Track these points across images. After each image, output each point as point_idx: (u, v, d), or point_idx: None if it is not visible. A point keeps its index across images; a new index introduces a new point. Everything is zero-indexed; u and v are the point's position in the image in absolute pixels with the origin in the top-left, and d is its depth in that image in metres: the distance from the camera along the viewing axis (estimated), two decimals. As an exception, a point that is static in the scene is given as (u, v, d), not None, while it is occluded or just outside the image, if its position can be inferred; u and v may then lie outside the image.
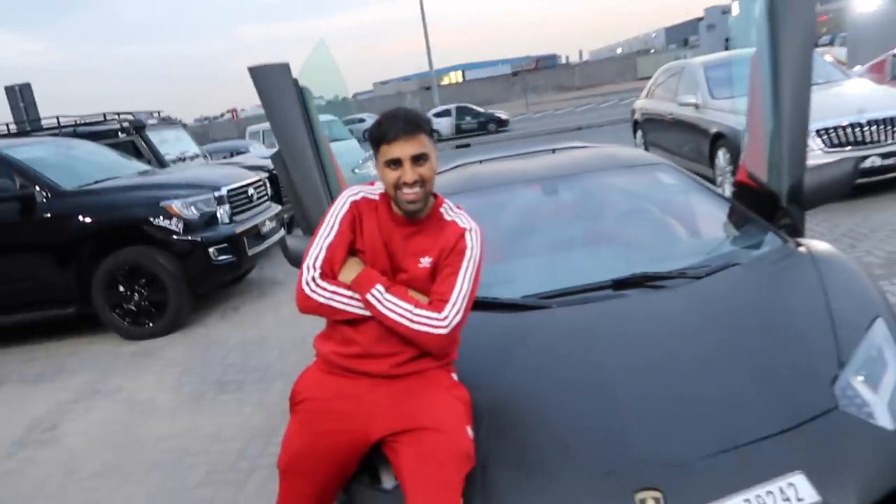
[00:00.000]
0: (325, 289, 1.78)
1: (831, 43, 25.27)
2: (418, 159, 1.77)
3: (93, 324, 5.45)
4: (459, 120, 25.54)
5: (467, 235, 1.85)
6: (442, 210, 1.90)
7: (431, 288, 1.82)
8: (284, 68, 2.96)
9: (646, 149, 9.50)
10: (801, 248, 2.37)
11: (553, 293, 2.29)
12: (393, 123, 1.77)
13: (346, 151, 9.38)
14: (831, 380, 1.75)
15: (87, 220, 5.20)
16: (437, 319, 1.75)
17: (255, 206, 6.11)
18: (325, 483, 1.79)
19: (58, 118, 7.73)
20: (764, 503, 1.50)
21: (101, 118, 7.93)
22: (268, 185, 6.78)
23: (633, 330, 2.04)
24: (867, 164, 5.70)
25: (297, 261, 2.26)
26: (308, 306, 1.81)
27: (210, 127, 53.80)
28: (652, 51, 79.45)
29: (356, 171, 9.23)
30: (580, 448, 1.68)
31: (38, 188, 5.22)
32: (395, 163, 1.77)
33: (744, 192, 2.88)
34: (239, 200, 5.81)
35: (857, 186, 5.86)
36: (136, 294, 5.26)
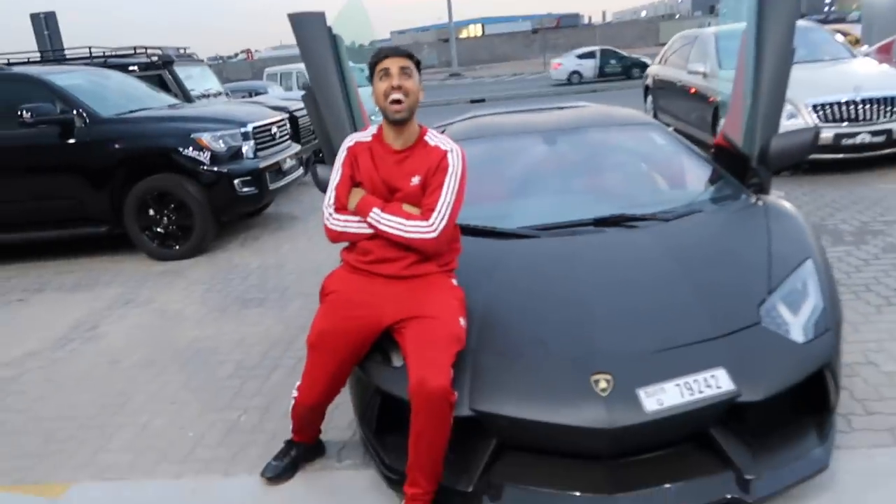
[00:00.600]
0: (339, 220, 2.30)
1: (860, 20, 25.26)
2: (404, 70, 2.20)
3: (122, 244, 5.90)
4: (603, 63, 24.61)
5: (449, 156, 2.27)
6: (426, 138, 2.32)
7: (422, 201, 2.26)
8: (321, 17, 3.33)
9: (655, 114, 9.78)
10: (759, 202, 2.76)
11: (543, 226, 2.70)
12: (386, 47, 2.27)
13: (366, 99, 9.67)
14: (759, 302, 2.16)
15: (122, 146, 5.57)
16: (426, 226, 2.20)
17: (277, 144, 6.48)
18: (343, 358, 2.24)
19: (90, 49, 8.05)
20: (691, 388, 1.93)
21: (132, 51, 8.24)
22: (288, 125, 7.14)
23: (606, 257, 2.45)
24: (857, 140, 6.02)
25: (324, 185, 2.66)
26: (332, 236, 2.33)
27: (224, 66, 53.36)
28: (677, 16, 77.99)
29: (373, 118, 9.53)
30: (552, 341, 2.11)
31: (77, 114, 5.60)
32: (385, 73, 2.19)
33: (721, 153, 3.24)
34: (263, 137, 6.17)
35: (847, 161, 6.23)
36: (165, 218, 5.68)
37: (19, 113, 5.43)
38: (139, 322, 4.36)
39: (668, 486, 1.96)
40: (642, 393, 1.93)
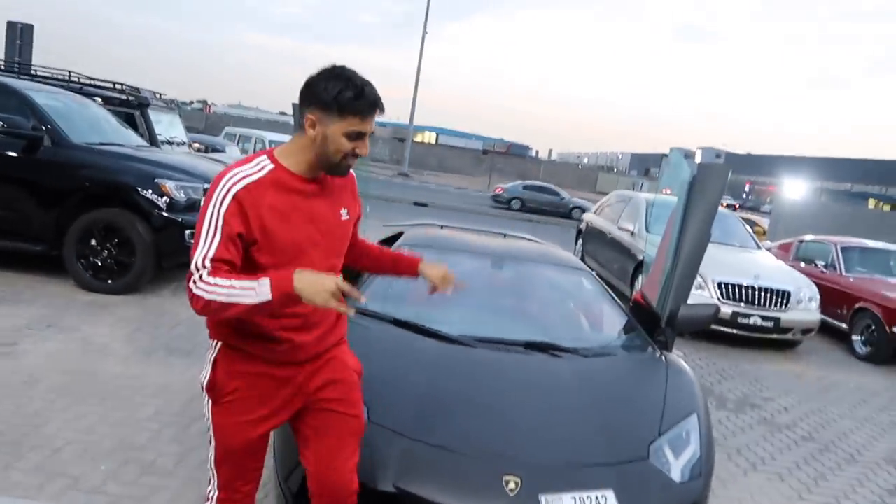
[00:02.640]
0: (215, 285, 1.66)
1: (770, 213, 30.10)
2: (371, 136, 1.86)
3: (47, 265, 5.86)
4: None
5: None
6: None
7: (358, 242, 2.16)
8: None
9: (582, 257, 10.59)
10: (662, 357, 3.22)
11: (480, 338, 3.05)
12: (371, 98, 1.77)
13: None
14: (650, 441, 2.55)
15: (85, 174, 5.67)
16: None
17: (233, 205, 6.69)
18: (262, 456, 2.02)
19: (69, 72, 8.19)
20: (584, 503, 2.25)
21: (111, 85, 8.43)
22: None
23: (531, 377, 2.82)
24: (750, 321, 6.80)
25: None
26: (199, 307, 1.69)
27: (178, 112, 52.90)
28: (615, 171, 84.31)
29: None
30: (476, 440, 2.41)
31: (47, 133, 5.70)
32: (358, 136, 1.79)
33: (637, 308, 3.74)
34: (222, 196, 6.39)
35: (739, 338, 6.98)
36: (106, 251, 5.72)
37: (-9, 119, 5.50)
38: (61, 347, 4.35)
39: (550, 589, 2.23)
40: (543, 499, 2.23)
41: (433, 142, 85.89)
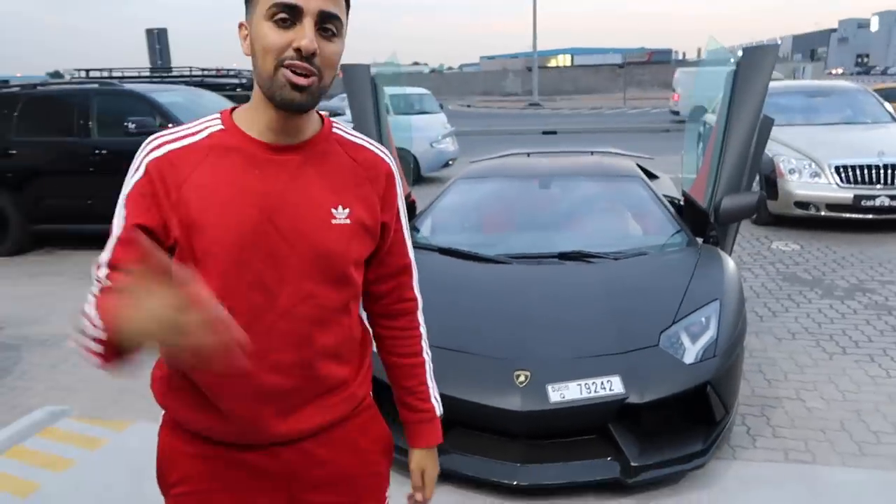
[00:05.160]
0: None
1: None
2: (327, 22, 1.07)
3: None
4: None
5: (394, 169, 1.27)
6: (337, 131, 1.21)
7: (377, 272, 1.32)
8: (365, 68, 4.10)
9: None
10: (699, 251, 3.28)
11: (517, 255, 3.32)
12: None
13: (427, 125, 10.52)
14: (662, 329, 2.71)
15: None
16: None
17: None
18: None
19: (191, 68, 9.20)
20: (589, 388, 2.51)
21: (226, 73, 9.37)
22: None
23: (557, 284, 3.06)
24: (876, 202, 6.28)
25: None
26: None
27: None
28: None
29: (433, 144, 10.33)
30: (493, 343, 2.73)
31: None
32: (290, 13, 1.04)
33: (687, 208, 3.77)
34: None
35: (865, 222, 6.49)
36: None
37: (125, 124, 6.48)
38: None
39: (566, 463, 2.53)
40: (550, 388, 2.51)
41: (568, 64, 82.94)
